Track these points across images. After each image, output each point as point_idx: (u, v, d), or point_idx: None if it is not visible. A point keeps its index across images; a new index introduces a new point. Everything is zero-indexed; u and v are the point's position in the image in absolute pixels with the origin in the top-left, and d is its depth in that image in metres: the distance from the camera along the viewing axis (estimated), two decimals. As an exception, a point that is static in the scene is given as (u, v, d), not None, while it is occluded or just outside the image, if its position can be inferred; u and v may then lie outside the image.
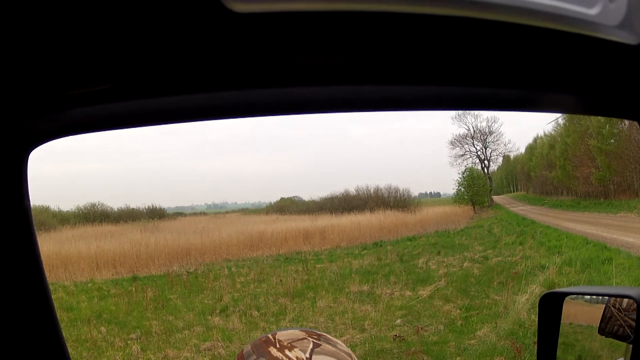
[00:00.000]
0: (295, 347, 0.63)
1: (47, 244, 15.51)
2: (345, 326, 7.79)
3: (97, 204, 28.25)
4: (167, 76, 0.56)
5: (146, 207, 30.00)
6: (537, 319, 1.24)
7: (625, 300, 1.10)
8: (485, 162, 35.56)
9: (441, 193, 44.96)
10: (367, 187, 30.65)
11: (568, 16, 0.46)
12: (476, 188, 30.43)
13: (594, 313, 1.18)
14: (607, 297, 1.16)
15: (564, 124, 29.49)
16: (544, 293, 1.24)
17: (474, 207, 29.27)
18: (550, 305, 1.21)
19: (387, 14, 0.43)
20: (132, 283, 11.97)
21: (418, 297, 9.15)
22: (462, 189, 30.82)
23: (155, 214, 28.93)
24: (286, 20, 0.43)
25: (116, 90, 0.59)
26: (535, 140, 39.36)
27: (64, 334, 0.74)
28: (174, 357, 6.97)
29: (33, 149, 0.68)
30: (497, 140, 35.67)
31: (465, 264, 11.52)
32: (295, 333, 0.66)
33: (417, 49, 0.52)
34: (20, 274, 0.69)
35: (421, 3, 0.42)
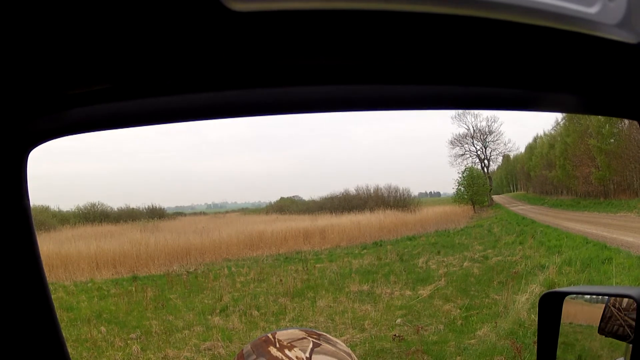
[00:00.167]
0: (295, 346, 0.63)
1: (47, 244, 15.51)
2: (345, 326, 7.79)
3: (97, 204, 28.27)
4: (167, 76, 0.56)
5: (146, 207, 30.03)
6: (537, 319, 1.24)
7: (625, 299, 1.10)
8: (485, 161, 35.59)
9: (441, 193, 44.97)
10: (367, 186, 30.69)
11: (568, 15, 0.46)
12: (476, 187, 30.42)
13: (594, 313, 1.18)
14: (607, 297, 1.16)
15: (564, 123, 29.54)
16: (544, 293, 1.24)
17: (473, 207, 29.27)
18: (550, 305, 1.21)
19: (386, 13, 0.43)
20: (132, 283, 11.98)
21: (418, 297, 9.16)
22: (462, 189, 30.82)
23: (155, 214, 28.92)
24: (285, 20, 0.43)
25: (116, 90, 0.59)
26: (535, 139, 39.43)
27: (63, 334, 0.75)
28: (174, 357, 6.97)
29: (33, 148, 0.68)
30: (496, 140, 35.68)
31: (465, 264, 11.53)
32: (295, 333, 0.66)
33: (417, 49, 0.52)
34: (20, 274, 0.68)
35: (421, 2, 0.42)
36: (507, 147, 37.07)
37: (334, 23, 0.45)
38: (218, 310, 9.13)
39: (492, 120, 34.87)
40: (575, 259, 9.71)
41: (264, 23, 0.44)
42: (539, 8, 0.45)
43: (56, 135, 0.68)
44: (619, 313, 1.11)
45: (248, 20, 0.43)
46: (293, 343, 0.63)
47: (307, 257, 14.82)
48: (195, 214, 34.53)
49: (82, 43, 0.46)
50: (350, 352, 0.67)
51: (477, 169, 33.93)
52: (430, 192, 46.61)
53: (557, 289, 1.24)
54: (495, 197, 38.32)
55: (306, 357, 0.61)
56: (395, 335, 6.96)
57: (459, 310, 7.97)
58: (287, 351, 0.62)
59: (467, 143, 35.20)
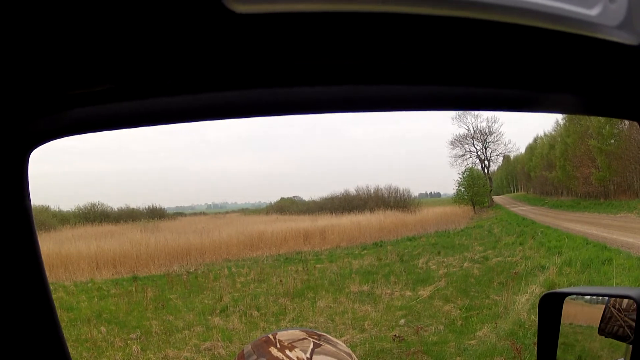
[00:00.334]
0: (296, 347, 0.63)
1: (47, 244, 15.51)
2: (345, 326, 7.79)
3: (97, 203, 28.25)
4: (168, 76, 0.56)
5: (146, 207, 30.00)
6: (537, 319, 1.24)
7: (625, 300, 1.10)
8: (486, 162, 35.57)
9: (441, 193, 44.95)
10: (367, 187, 30.66)
11: (568, 17, 0.46)
12: (476, 188, 30.41)
13: (594, 313, 1.18)
14: (607, 298, 1.16)
15: (564, 124, 29.52)
16: (544, 293, 1.24)
17: (474, 207, 29.26)
18: (550, 306, 1.21)
19: (387, 15, 0.43)
20: (132, 283, 11.98)
21: (418, 298, 9.15)
22: (462, 189, 30.81)
23: (155, 214, 28.89)
24: (287, 21, 0.43)
25: (117, 91, 0.59)
26: (535, 140, 39.36)
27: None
28: (174, 357, 6.97)
29: (34, 149, 0.68)
30: (497, 141, 35.68)
31: (465, 264, 11.52)
32: (296, 333, 0.66)
33: (418, 50, 0.52)
34: (21, 274, 0.69)
35: (422, 4, 0.42)
36: (507, 147, 37.08)
37: (334, 25, 0.45)
38: (218, 311, 9.12)
39: (493, 120, 34.90)
40: (575, 259, 9.71)
41: (265, 25, 0.44)
42: (540, 10, 0.45)
43: (57, 135, 0.68)
44: (619, 314, 1.11)
45: (249, 22, 0.43)
46: (294, 343, 0.63)
47: (307, 258, 14.82)
48: (195, 214, 34.52)
49: (84, 43, 0.46)
50: (350, 352, 0.67)
51: (478, 169, 33.94)
52: (431, 193, 46.61)
53: (557, 290, 1.24)
54: (496, 198, 38.30)
55: (307, 358, 0.61)
56: (395, 335, 6.96)
57: (459, 311, 7.97)
58: (287, 351, 0.62)
59: (467, 144, 35.22)
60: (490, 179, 35.40)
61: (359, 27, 0.46)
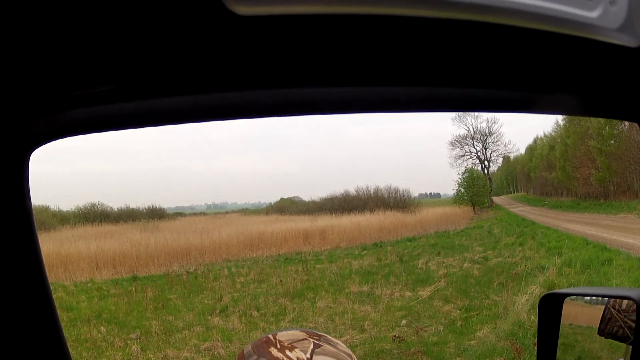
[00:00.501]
0: (296, 347, 0.63)
1: (47, 244, 15.50)
2: (345, 327, 7.79)
3: (97, 204, 28.22)
4: (169, 77, 0.57)
5: (146, 207, 29.97)
6: (537, 320, 1.24)
7: (625, 301, 1.10)
8: (485, 162, 35.53)
9: (441, 194, 44.91)
10: (367, 187, 30.62)
11: (569, 19, 0.46)
12: (476, 189, 30.40)
13: (594, 314, 1.18)
14: (606, 298, 1.16)
15: (564, 124, 29.51)
16: (543, 294, 1.24)
17: (473, 208, 29.24)
18: (550, 306, 1.21)
19: (387, 17, 0.43)
20: (132, 283, 11.97)
21: (418, 298, 9.15)
22: (462, 190, 30.79)
23: (155, 214, 28.87)
24: (288, 23, 0.44)
25: (118, 91, 0.59)
26: (535, 141, 39.32)
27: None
28: (173, 357, 6.97)
29: (34, 149, 0.68)
30: (497, 141, 35.59)
31: (465, 265, 11.52)
32: (296, 333, 0.66)
33: (418, 52, 0.52)
34: (21, 274, 0.69)
35: (421, 6, 0.43)
36: (507, 148, 37.01)
37: (335, 27, 0.45)
38: (218, 311, 9.12)
39: (492, 121, 34.84)
40: (575, 260, 9.71)
41: (266, 26, 0.44)
42: (541, 12, 0.45)
43: (58, 136, 0.69)
44: (619, 314, 1.11)
45: (250, 24, 0.43)
46: (294, 344, 0.63)
47: (307, 258, 14.82)
48: (195, 214, 34.51)
49: (85, 44, 0.46)
50: (350, 352, 0.67)
51: (477, 170, 33.91)
52: (430, 193, 46.57)
53: (557, 290, 1.24)
54: (496, 199, 38.28)
55: (307, 358, 0.61)
56: (395, 336, 6.96)
57: (458, 311, 7.97)
58: (288, 352, 0.62)
59: (467, 144, 35.17)
60: (490, 179, 35.39)
61: (359, 29, 0.46)
